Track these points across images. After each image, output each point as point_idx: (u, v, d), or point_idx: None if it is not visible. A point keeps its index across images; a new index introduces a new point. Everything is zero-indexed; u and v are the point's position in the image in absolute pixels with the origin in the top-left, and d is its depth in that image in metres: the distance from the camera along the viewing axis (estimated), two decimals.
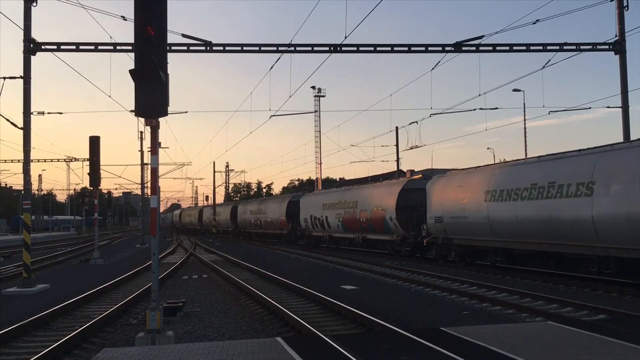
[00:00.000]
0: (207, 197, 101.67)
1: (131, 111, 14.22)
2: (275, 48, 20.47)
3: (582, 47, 20.95)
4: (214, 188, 74.32)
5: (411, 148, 35.90)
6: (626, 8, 20.39)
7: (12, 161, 59.21)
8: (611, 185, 14.95)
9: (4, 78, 19.20)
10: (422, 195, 25.30)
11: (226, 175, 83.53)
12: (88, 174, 26.55)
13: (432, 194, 24.44)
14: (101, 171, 27.21)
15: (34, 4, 17.73)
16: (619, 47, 20.68)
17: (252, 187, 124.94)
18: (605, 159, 15.62)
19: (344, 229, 34.47)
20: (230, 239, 60.91)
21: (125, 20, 19.25)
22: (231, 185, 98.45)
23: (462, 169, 24.03)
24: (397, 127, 44.48)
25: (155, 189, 9.59)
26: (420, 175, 30.42)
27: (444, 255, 24.04)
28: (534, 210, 17.58)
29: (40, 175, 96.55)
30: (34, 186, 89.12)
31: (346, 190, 36.69)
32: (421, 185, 26.37)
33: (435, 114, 40.00)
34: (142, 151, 46.66)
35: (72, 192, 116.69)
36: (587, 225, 15.49)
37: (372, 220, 30.35)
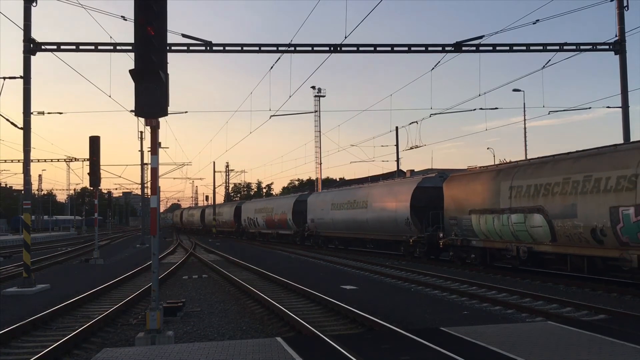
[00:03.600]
0: (207, 197, 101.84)
1: (131, 111, 14.19)
2: (275, 48, 20.46)
3: (582, 47, 20.94)
4: (214, 188, 74.37)
5: (411, 148, 36.04)
6: (626, 8, 20.38)
7: (12, 161, 59.24)
8: (373, 203, 29.47)
9: (4, 78, 19.20)
10: (307, 204, 39.62)
11: (226, 175, 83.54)
12: (88, 174, 26.55)
13: (309, 203, 39.11)
14: (101, 171, 27.21)
15: (34, 4, 17.70)
16: (619, 47, 20.67)
17: (252, 187, 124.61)
18: (371, 189, 31.12)
19: (266, 227, 49.19)
20: (203, 236, 70.15)
21: (125, 20, 19.25)
22: (231, 185, 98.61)
23: (325, 191, 40.43)
24: (397, 127, 44.73)
25: (155, 189, 9.60)
26: (308, 192, 47.01)
27: (317, 242, 38.28)
28: (349, 216, 32.18)
29: (40, 175, 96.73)
30: (34, 186, 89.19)
31: (269, 200, 55.04)
32: (306, 198, 40.85)
33: (435, 114, 40.16)
34: (142, 151, 46.62)
35: (72, 192, 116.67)
36: (365, 223, 30.03)
37: (281, 220, 44.83)
